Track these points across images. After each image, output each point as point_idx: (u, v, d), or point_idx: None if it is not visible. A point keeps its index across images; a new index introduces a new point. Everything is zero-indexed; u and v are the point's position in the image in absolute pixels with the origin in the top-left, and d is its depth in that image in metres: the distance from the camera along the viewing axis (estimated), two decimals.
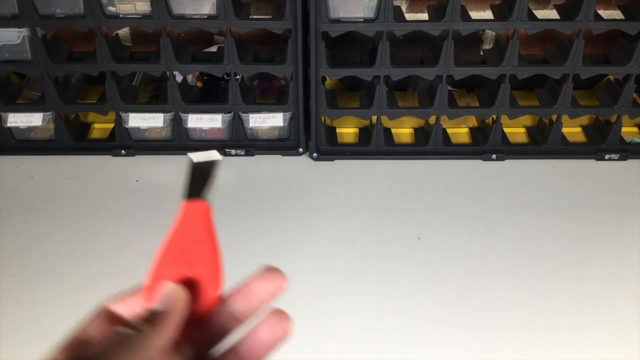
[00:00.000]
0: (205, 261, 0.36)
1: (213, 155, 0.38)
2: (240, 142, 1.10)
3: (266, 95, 1.18)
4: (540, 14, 1.17)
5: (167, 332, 0.33)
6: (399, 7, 1.05)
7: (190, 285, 0.35)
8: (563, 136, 1.10)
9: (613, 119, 1.09)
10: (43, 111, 1.07)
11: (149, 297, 0.35)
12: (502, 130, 1.09)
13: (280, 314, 0.36)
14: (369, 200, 1.01)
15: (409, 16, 1.18)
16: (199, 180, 0.37)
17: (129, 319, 0.35)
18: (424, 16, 1.13)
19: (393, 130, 1.13)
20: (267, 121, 1.07)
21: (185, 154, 0.39)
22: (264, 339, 0.36)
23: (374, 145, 1.09)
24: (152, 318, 0.34)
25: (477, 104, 1.13)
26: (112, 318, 0.36)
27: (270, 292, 0.36)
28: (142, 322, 0.33)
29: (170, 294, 0.35)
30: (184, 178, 0.38)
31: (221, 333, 0.36)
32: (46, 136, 1.11)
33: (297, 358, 0.77)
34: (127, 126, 1.08)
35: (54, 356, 0.33)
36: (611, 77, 1.11)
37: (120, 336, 0.32)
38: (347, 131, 1.15)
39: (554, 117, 1.08)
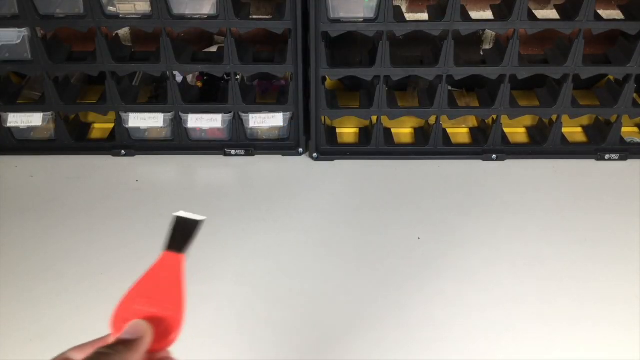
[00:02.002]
0: (171, 306, 0.39)
1: (198, 216, 0.43)
2: (240, 142, 1.10)
3: (266, 95, 1.18)
4: (540, 14, 1.17)
5: (137, 358, 0.37)
6: (399, 7, 1.05)
7: (154, 323, 0.39)
8: (563, 136, 1.10)
9: (613, 119, 1.09)
10: (43, 111, 1.07)
11: (118, 328, 0.39)
12: (502, 130, 1.09)
13: None
14: (369, 200, 1.01)
15: (409, 16, 1.18)
16: (181, 235, 0.42)
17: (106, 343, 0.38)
18: (424, 16, 1.13)
19: (393, 130, 1.13)
20: (267, 121, 1.07)
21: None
22: None
23: (374, 145, 1.09)
24: (125, 344, 0.37)
25: (477, 104, 1.13)
26: None
27: None
28: (118, 346, 0.37)
29: (140, 329, 0.39)
30: (168, 230, 0.41)
31: None
32: (46, 136, 1.11)
33: (297, 358, 0.77)
34: (127, 126, 1.08)
35: None
36: (611, 77, 1.11)
37: (101, 355, 0.36)
38: (347, 131, 1.15)
39: (554, 117, 1.08)
